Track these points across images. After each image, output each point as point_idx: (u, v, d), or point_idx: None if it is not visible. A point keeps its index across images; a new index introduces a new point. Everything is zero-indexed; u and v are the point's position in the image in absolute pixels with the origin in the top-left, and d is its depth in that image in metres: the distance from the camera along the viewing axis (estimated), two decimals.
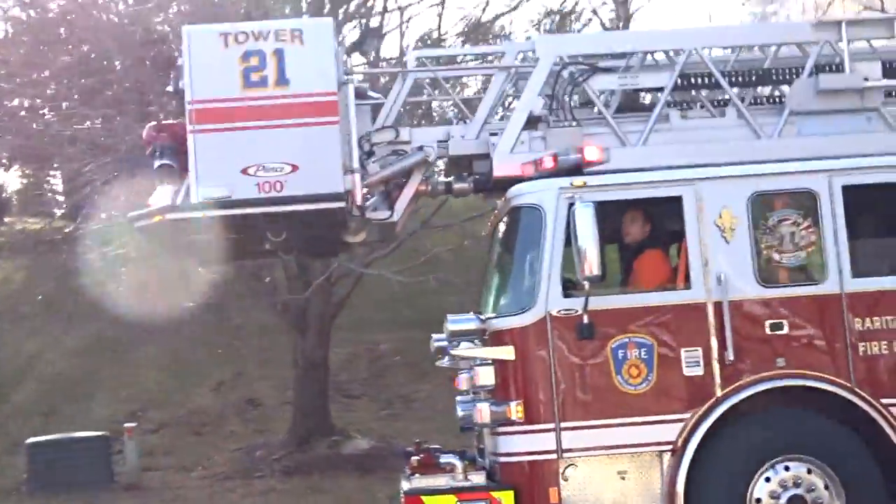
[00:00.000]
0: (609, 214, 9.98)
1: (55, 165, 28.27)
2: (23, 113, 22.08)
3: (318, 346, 21.37)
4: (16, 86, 21.24)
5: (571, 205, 9.66)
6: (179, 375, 23.65)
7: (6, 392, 22.07)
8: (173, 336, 24.28)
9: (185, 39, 10.31)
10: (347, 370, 23.21)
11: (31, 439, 19.49)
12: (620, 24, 32.40)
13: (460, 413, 10.70)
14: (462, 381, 10.91)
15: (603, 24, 32.14)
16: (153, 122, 11.59)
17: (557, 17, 29.77)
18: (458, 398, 10.94)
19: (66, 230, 22.27)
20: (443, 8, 20.35)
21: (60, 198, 37.68)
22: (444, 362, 11.30)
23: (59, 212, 35.58)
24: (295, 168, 10.05)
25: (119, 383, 22.56)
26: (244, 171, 10.03)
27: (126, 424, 19.71)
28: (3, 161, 31.83)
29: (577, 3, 29.82)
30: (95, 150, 20.48)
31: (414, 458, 10.57)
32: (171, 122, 11.02)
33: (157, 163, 10.87)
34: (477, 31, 23.45)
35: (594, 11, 31.73)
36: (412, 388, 24.02)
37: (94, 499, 17.70)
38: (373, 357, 25.15)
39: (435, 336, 11.11)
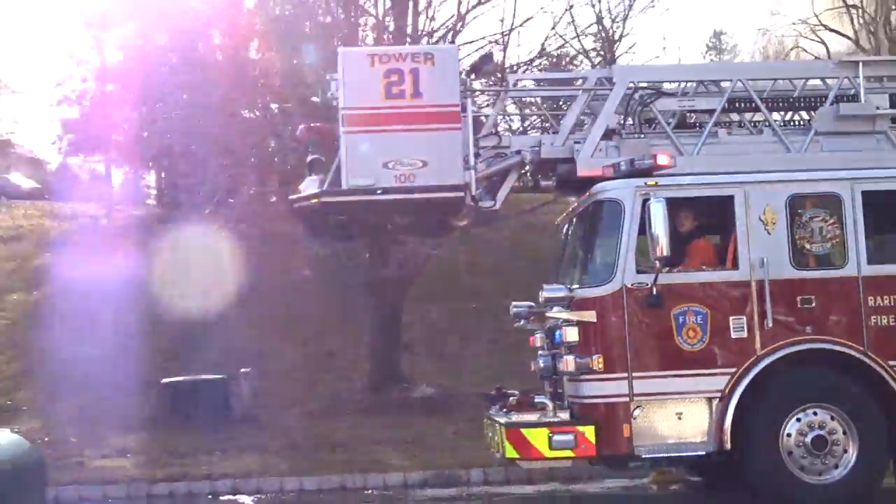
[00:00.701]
0: (675, 208, 10.24)
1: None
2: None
3: (392, 309, 21.64)
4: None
5: (646, 200, 9.92)
6: (275, 332, 23.84)
7: (141, 340, 22.27)
8: (271, 300, 24.57)
9: (340, 59, 10.60)
10: (408, 331, 23.38)
11: (165, 379, 19.59)
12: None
13: (541, 365, 10.69)
14: (537, 340, 11.02)
15: (593, 65, 32.42)
16: (303, 125, 11.88)
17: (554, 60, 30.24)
18: (540, 353, 10.93)
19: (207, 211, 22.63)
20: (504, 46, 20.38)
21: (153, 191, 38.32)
22: (521, 324, 11.36)
23: (152, 202, 36.03)
24: (425, 164, 10.31)
25: (231, 336, 22.77)
26: (385, 165, 10.29)
27: (242, 370, 19.98)
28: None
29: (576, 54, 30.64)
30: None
31: (512, 399, 10.76)
32: (320, 124, 11.23)
33: (309, 157, 11.15)
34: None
35: (586, 55, 32.43)
36: (462, 348, 24.19)
37: (217, 429, 17.85)
38: (428, 321, 25.31)
39: (514, 303, 11.23)
